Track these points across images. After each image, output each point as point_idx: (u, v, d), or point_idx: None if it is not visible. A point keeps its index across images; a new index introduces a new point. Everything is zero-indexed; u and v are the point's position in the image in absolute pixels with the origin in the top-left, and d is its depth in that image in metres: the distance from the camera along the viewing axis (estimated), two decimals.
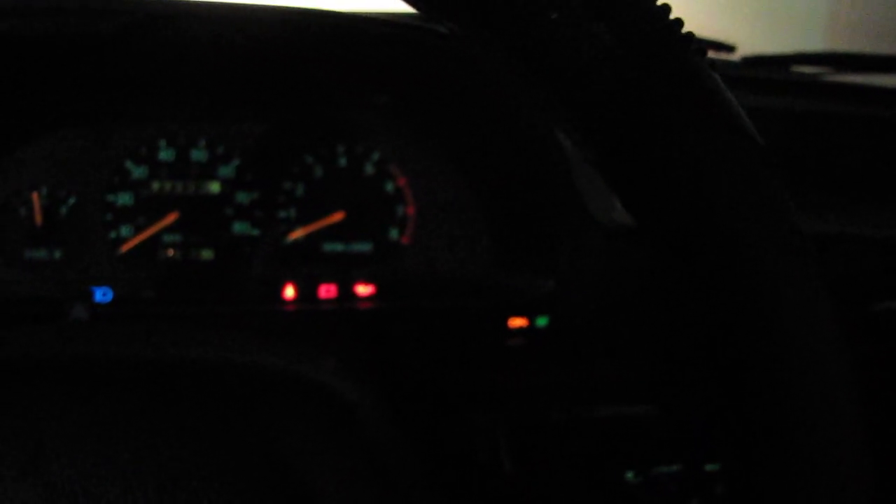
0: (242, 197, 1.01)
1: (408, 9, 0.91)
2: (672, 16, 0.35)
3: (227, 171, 1.01)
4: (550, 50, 0.36)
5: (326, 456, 0.53)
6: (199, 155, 1.00)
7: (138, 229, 0.99)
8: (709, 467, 0.87)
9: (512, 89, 0.86)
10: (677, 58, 0.35)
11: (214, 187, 1.00)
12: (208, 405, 0.55)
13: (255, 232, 1.01)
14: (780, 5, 2.03)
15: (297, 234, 1.00)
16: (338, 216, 1.01)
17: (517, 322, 0.92)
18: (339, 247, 1.02)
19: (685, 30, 0.35)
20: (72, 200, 0.98)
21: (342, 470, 0.53)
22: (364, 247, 1.02)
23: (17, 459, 0.49)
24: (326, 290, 1.00)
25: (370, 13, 0.89)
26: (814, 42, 2.01)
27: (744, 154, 0.36)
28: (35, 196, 0.97)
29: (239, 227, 1.01)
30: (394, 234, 1.03)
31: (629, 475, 0.89)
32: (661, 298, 0.88)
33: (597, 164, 0.40)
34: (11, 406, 0.54)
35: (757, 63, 1.34)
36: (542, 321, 0.92)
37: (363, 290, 1.00)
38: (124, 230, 0.99)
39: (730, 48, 1.35)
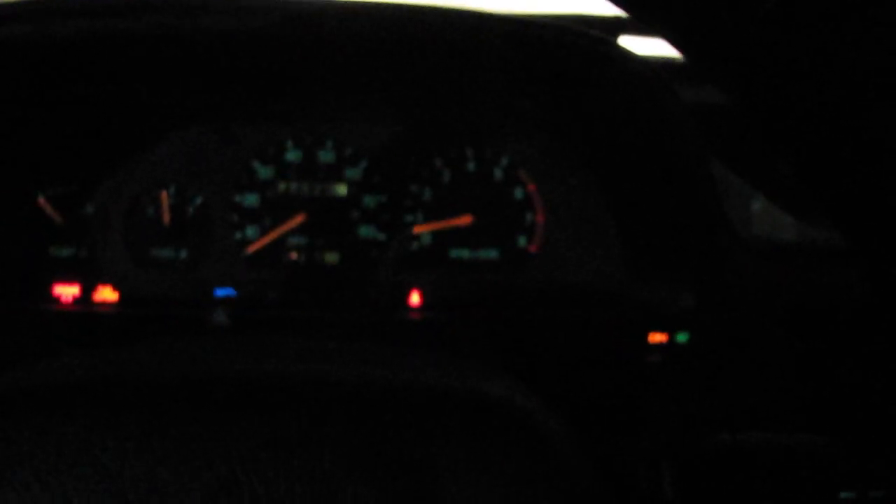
0: (369, 200, 0.99)
1: (562, 11, 0.87)
2: None
3: (354, 173, 0.99)
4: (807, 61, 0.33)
5: (514, 477, 0.51)
6: (326, 156, 0.99)
7: (264, 231, 0.98)
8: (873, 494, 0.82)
9: (666, 100, 0.83)
10: None
11: (341, 190, 0.98)
12: (391, 430, 0.52)
13: (382, 236, 0.98)
14: None
15: (422, 228, 0.97)
16: (466, 219, 0.98)
17: (657, 337, 0.88)
18: (465, 253, 0.99)
19: None
20: (198, 200, 0.97)
21: (530, 492, 0.50)
22: (491, 254, 1.00)
23: (207, 484, 0.47)
24: (453, 298, 0.97)
25: (515, 14, 0.86)
26: None
27: None
28: (164, 195, 0.96)
29: (365, 231, 0.99)
30: (522, 241, 1.00)
31: None
32: (818, 317, 0.84)
33: (807, 180, 0.37)
34: (189, 424, 0.52)
35: None
36: (682, 337, 0.88)
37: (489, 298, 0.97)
38: (250, 231, 0.98)
39: None
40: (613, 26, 1.00)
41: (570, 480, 0.52)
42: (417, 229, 0.98)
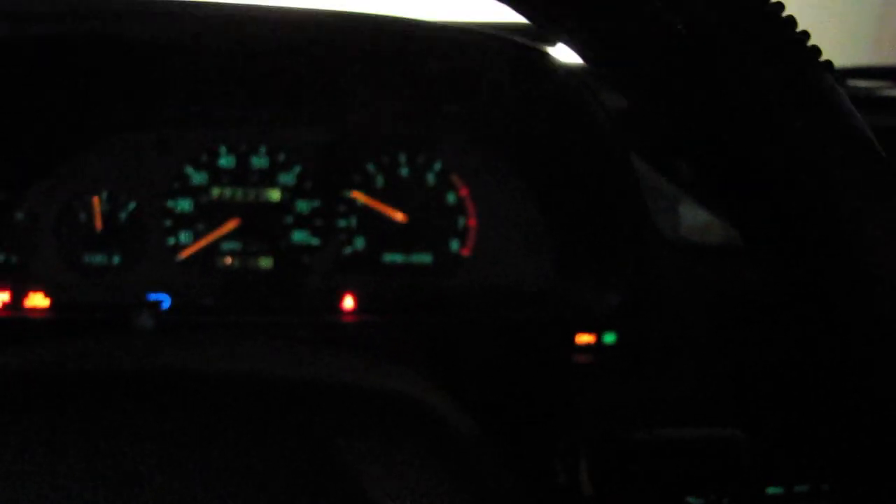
0: (303, 205, 0.99)
1: (482, 19, 0.89)
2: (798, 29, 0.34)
3: (287, 178, 0.99)
4: (676, 58, 0.35)
5: (418, 472, 0.51)
6: (259, 162, 0.99)
7: (197, 236, 0.98)
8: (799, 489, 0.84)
9: (591, 106, 0.85)
10: (806, 73, 0.34)
11: (274, 195, 0.99)
12: (301, 425, 0.53)
13: (315, 241, 0.99)
14: (828, 20, 2.00)
15: (359, 196, 0.98)
16: (400, 215, 0.99)
17: (584, 338, 0.90)
18: (399, 258, 1.00)
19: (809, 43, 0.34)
20: (131, 206, 0.97)
21: (434, 487, 0.51)
22: (424, 258, 1.01)
23: (111, 480, 0.48)
24: (386, 302, 0.98)
25: (444, 22, 0.87)
26: (862, 57, 1.98)
27: (872, 167, 0.34)
28: (95, 200, 0.96)
29: (298, 236, 0.99)
30: (455, 245, 1.01)
31: (691, 500, 0.87)
32: (739, 316, 0.86)
33: (705, 182, 0.39)
34: (96, 421, 0.52)
35: None
36: (609, 337, 0.90)
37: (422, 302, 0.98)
38: (183, 237, 0.98)
39: None
40: (545, 35, 1.02)
41: (475, 474, 0.54)
42: (355, 194, 0.98)
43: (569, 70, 0.87)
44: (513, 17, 0.40)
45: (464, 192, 1.01)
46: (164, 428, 0.51)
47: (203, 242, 0.98)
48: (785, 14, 0.34)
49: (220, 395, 0.56)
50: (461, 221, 1.01)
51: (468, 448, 0.55)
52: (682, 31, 0.34)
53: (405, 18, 0.84)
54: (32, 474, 0.46)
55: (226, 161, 0.99)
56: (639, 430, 0.79)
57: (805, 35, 0.34)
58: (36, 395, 0.51)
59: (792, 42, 0.34)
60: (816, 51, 0.34)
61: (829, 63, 0.34)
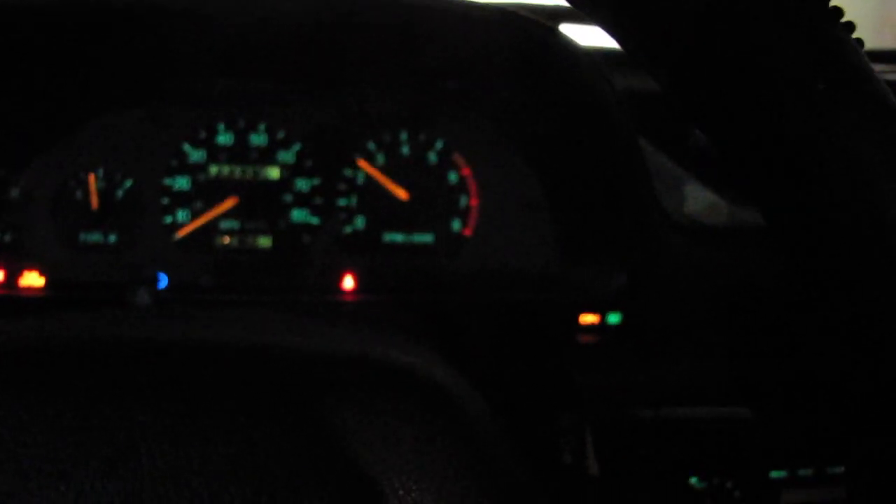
0: (302, 184, 0.98)
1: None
2: None
3: (287, 156, 0.98)
4: (705, 33, 0.34)
5: (421, 445, 0.50)
6: (258, 139, 0.98)
7: (195, 214, 0.97)
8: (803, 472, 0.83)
9: (599, 85, 0.84)
10: (827, 33, 0.33)
11: (274, 173, 0.98)
12: (304, 395, 0.52)
13: (315, 220, 0.98)
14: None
15: (364, 164, 0.97)
16: (402, 193, 0.98)
17: (589, 318, 0.88)
18: (399, 237, 0.99)
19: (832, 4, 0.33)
20: (128, 183, 0.96)
21: (439, 461, 0.50)
22: (426, 238, 0.99)
23: (103, 454, 0.46)
24: (387, 282, 0.97)
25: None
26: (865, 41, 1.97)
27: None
28: (91, 178, 0.95)
29: (298, 215, 0.98)
30: (456, 225, 1.00)
31: (694, 480, 0.86)
32: (744, 296, 0.85)
33: (726, 160, 0.38)
34: (88, 392, 0.50)
35: None
36: (614, 318, 0.89)
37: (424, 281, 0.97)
38: (181, 215, 0.97)
39: None
40: (552, 15, 1.01)
41: (484, 452, 0.52)
42: (361, 163, 0.97)
43: (577, 48, 0.85)
44: None
45: (466, 171, 0.99)
46: (162, 401, 0.50)
47: (201, 221, 0.96)
48: None
49: (221, 367, 0.55)
50: (463, 201, 1.00)
51: (480, 429, 0.54)
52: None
53: None
54: (27, 447, 0.45)
55: (224, 138, 0.97)
56: (644, 409, 0.78)
57: None
58: (29, 367, 0.49)
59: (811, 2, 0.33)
60: (838, 11, 0.33)
61: (850, 24, 0.34)
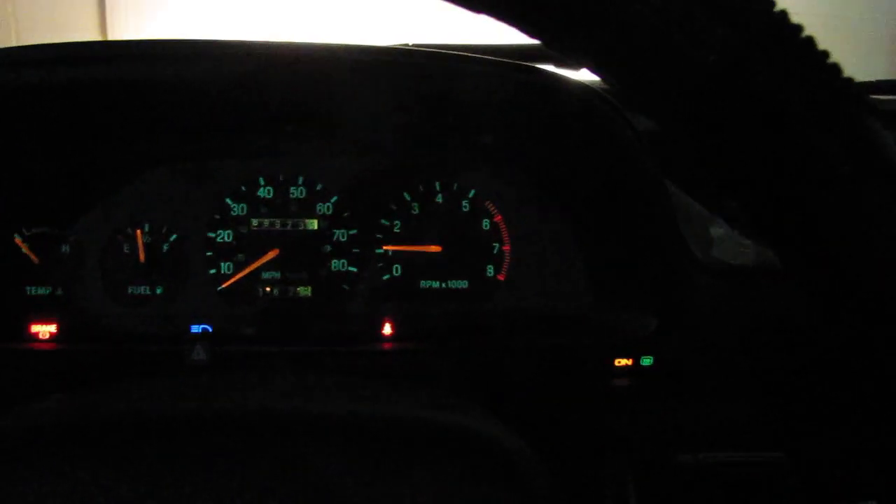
0: (340, 234, 1.01)
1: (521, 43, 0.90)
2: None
3: (325, 208, 1.01)
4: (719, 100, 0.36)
5: None
6: (297, 192, 1.01)
7: (238, 266, 1.00)
8: None
9: (621, 128, 0.86)
10: (852, 116, 0.35)
11: (312, 224, 1.01)
12: (371, 462, 0.55)
13: (353, 269, 1.01)
14: (843, 34, 2.02)
15: (391, 247, 1.01)
16: (435, 247, 1.01)
17: (622, 361, 0.91)
18: (435, 284, 1.02)
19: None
20: (173, 237, 0.99)
21: None
22: (461, 283, 1.02)
23: None
24: (424, 328, 0.99)
25: (474, 53, 0.89)
26: (878, 70, 2.00)
27: None
28: (139, 233, 0.98)
29: (336, 264, 1.01)
30: (490, 270, 1.03)
31: None
32: (775, 336, 0.87)
33: (748, 213, 0.40)
34: (177, 463, 0.53)
35: None
36: (647, 361, 0.91)
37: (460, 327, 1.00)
38: (224, 267, 1.00)
39: None
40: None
41: None
42: (387, 247, 1.01)
43: (597, 93, 0.88)
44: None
45: (498, 218, 1.02)
46: (245, 469, 0.52)
47: (244, 272, 1.00)
48: (830, 60, 0.35)
49: (284, 434, 0.58)
50: (496, 247, 1.03)
51: (534, 486, 0.56)
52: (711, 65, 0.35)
53: (437, 52, 0.86)
54: None
55: (264, 192, 1.01)
56: (683, 453, 0.80)
57: (849, 81, 0.35)
58: (118, 437, 0.52)
59: (836, 87, 0.35)
60: (861, 92, 0.35)
61: (874, 105, 0.36)
